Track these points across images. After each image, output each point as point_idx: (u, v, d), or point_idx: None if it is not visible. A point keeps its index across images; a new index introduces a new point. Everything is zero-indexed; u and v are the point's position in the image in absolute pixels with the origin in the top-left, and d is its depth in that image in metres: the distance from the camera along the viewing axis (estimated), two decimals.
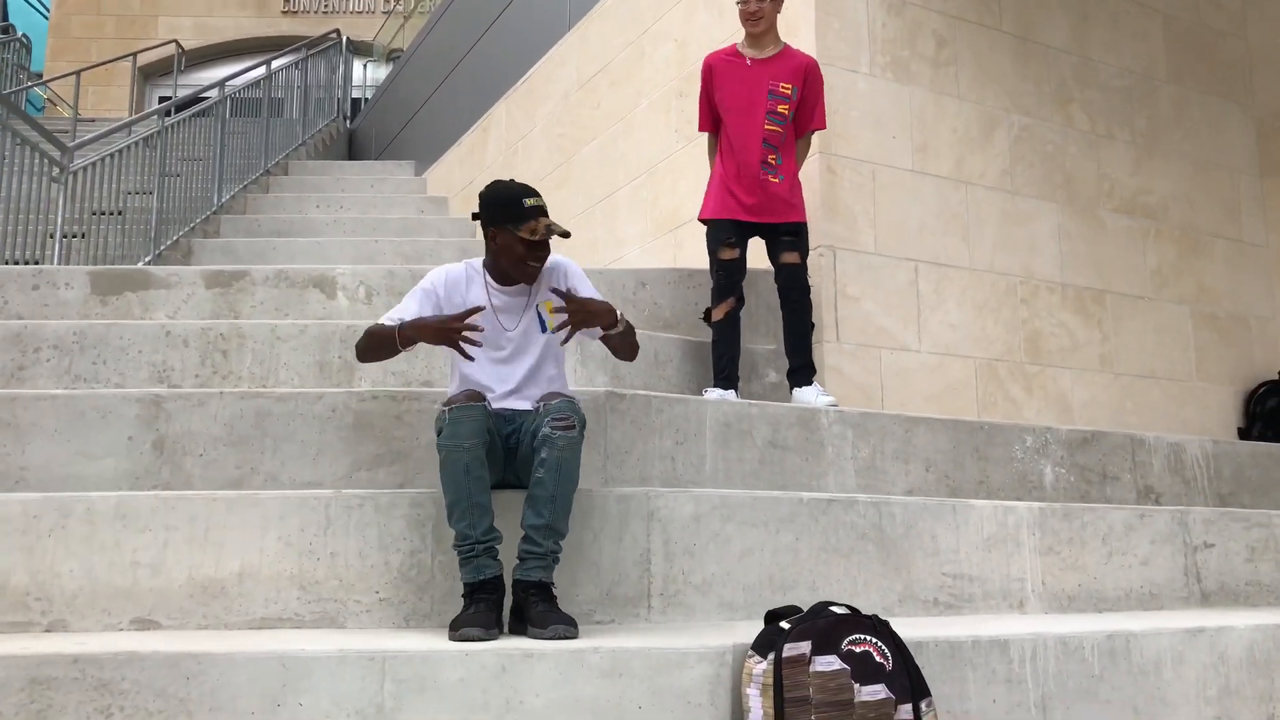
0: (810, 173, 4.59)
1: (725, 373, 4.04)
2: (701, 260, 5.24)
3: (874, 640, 2.12)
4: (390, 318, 2.82)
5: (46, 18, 18.68)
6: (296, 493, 2.76)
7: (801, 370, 4.08)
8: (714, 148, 4.29)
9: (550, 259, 2.91)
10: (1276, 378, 5.61)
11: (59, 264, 6.50)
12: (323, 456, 3.23)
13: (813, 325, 4.12)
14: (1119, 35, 5.65)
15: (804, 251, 4.10)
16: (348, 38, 12.79)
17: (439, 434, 2.57)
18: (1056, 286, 5.17)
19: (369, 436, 3.26)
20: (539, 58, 7.44)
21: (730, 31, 5.23)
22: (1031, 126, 5.25)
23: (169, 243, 7.47)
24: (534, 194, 2.83)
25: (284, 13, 17.25)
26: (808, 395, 3.98)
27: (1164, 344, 5.45)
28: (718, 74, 4.24)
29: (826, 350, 4.46)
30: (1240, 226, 5.83)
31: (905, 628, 2.61)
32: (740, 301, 4.10)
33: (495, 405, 2.77)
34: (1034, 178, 5.20)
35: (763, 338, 4.53)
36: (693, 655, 2.23)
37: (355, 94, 13.54)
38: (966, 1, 5.14)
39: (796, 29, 4.76)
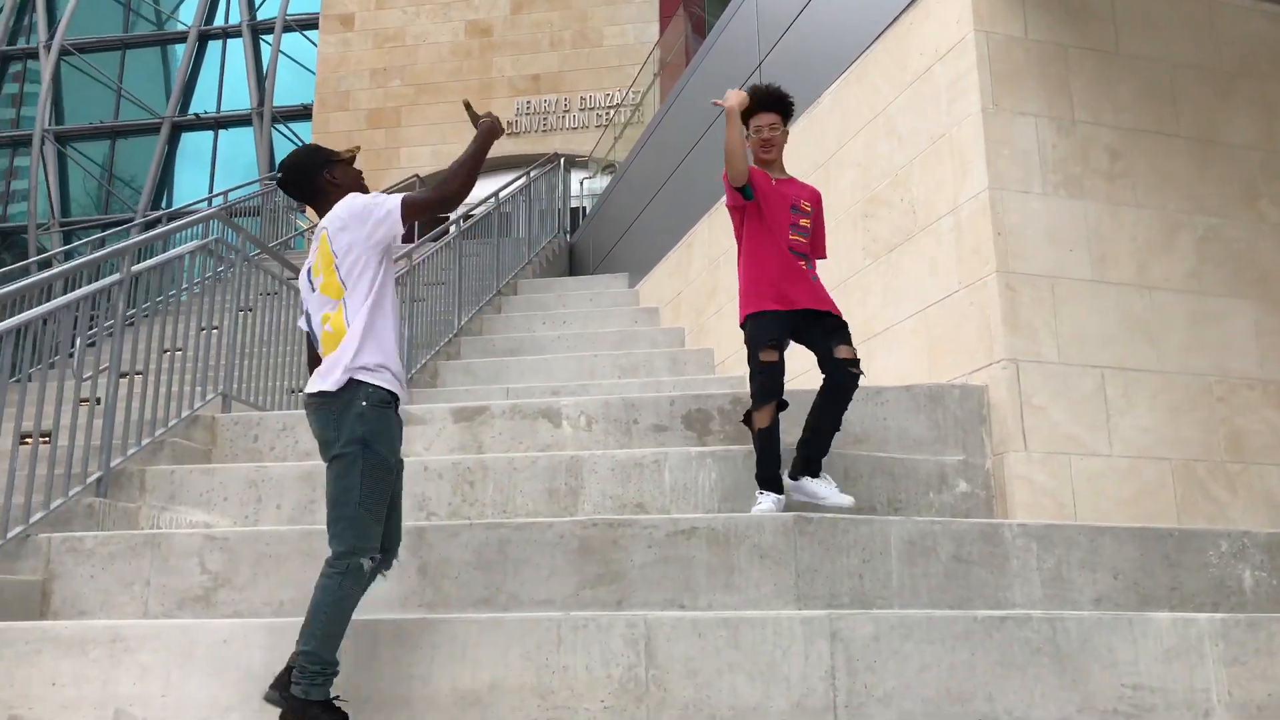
0: (989, 290, 4.88)
1: (774, 477, 4.14)
2: (891, 373, 5.59)
3: None
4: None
5: None
6: (533, 615, 3.31)
7: (817, 461, 4.18)
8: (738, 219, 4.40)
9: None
10: None
11: None
12: (554, 578, 3.79)
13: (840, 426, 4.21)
14: None
15: (853, 346, 4.19)
16: (563, 159, 13.91)
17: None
18: (1257, 383, 5.17)
19: (591, 559, 3.80)
20: None
21: (909, 156, 5.63)
22: (1218, 226, 5.32)
23: (419, 366, 8.43)
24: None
25: (508, 135, 18.82)
26: (823, 489, 4.08)
27: None
28: (755, 178, 4.31)
29: (1014, 460, 4.69)
30: None
31: None
32: (784, 405, 4.15)
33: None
34: (1223, 277, 5.26)
35: (952, 448, 4.82)
36: None
37: (574, 204, 14.65)
38: (1141, 113, 5.32)
39: (966, 159, 5.10)
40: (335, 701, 3.03)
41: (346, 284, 3.22)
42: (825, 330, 4.22)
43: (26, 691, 3.34)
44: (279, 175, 3.41)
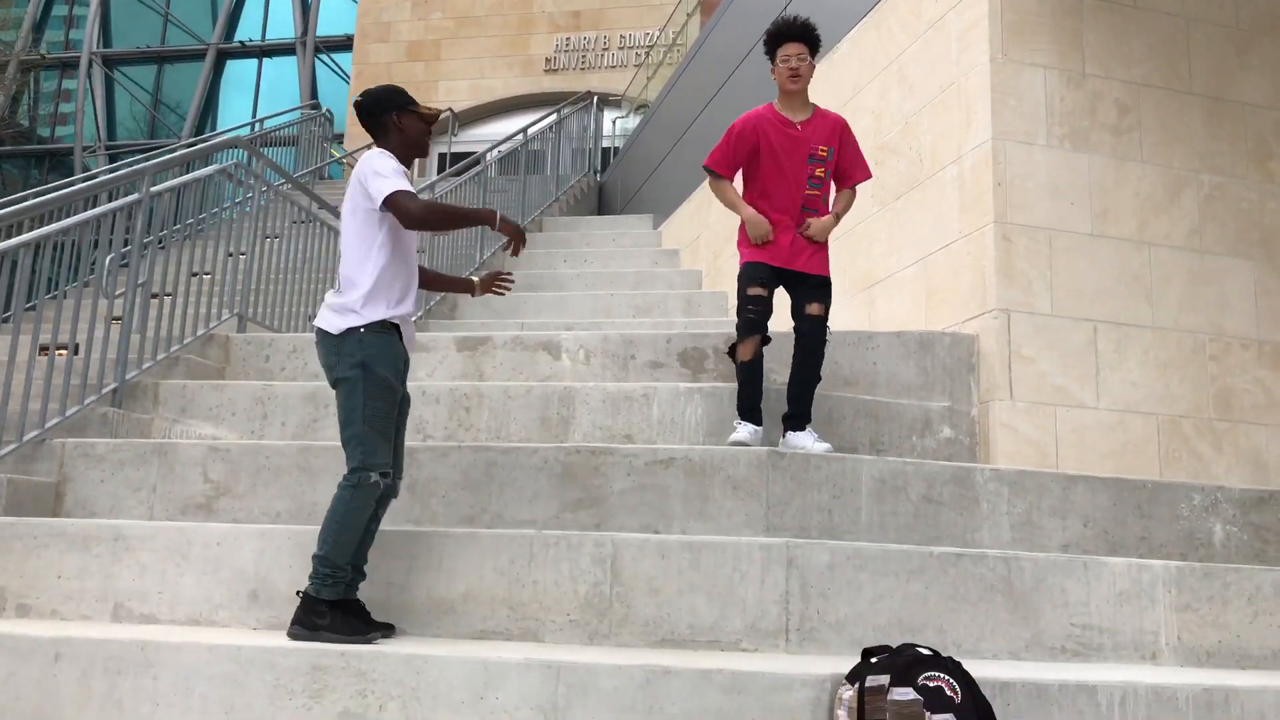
0: (986, 240, 4.93)
1: (753, 408, 4.29)
2: (890, 320, 5.67)
3: (947, 677, 2.55)
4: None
5: (348, 83, 21.22)
6: (507, 532, 3.48)
7: (800, 416, 4.30)
8: (728, 192, 4.46)
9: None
10: None
11: None
12: (537, 500, 3.96)
13: (819, 378, 4.33)
14: None
15: (827, 305, 4.32)
16: (596, 97, 13.91)
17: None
18: (1252, 343, 5.19)
19: (573, 484, 3.96)
20: None
21: (919, 105, 5.64)
22: (1224, 185, 5.31)
23: (438, 299, 8.59)
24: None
25: (546, 71, 18.79)
26: (804, 440, 4.22)
27: None
28: (763, 131, 4.40)
29: (999, 409, 4.77)
30: None
31: (1009, 670, 3.00)
32: (767, 339, 4.31)
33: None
34: (1226, 235, 5.26)
35: (939, 395, 4.91)
36: (798, 681, 2.74)
37: (605, 144, 14.66)
38: (1153, 68, 5.29)
39: (973, 109, 5.12)
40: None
41: (348, 227, 3.40)
42: (808, 287, 4.36)
43: (34, 583, 3.58)
44: (359, 100, 3.52)
